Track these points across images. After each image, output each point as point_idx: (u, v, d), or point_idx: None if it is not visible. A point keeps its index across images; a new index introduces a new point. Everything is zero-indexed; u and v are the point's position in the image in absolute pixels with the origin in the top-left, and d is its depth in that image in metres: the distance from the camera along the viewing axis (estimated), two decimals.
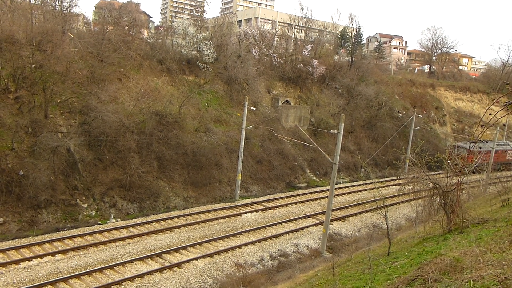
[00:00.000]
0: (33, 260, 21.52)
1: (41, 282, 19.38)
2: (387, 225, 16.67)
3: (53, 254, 22.28)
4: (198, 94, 40.93)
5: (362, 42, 78.02)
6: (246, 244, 26.42)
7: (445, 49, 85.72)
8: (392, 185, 42.64)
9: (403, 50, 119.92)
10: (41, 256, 21.89)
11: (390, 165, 49.81)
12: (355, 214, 34.54)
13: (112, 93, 33.62)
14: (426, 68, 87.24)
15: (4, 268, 20.36)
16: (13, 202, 25.53)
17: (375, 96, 55.53)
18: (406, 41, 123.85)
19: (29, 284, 19.15)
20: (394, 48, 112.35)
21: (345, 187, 42.83)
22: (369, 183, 43.69)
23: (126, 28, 42.63)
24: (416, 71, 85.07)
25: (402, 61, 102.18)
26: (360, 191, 41.85)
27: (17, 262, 21.04)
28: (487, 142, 48.65)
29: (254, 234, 28.46)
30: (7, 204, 25.31)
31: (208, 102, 41.67)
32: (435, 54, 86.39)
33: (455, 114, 68.96)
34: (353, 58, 61.14)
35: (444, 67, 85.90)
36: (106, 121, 30.56)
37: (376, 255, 14.50)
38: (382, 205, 18.24)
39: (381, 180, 46.01)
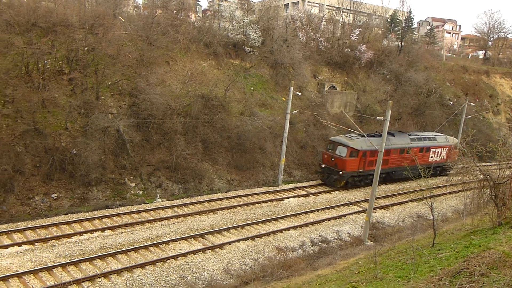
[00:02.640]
0: (84, 234, 22.59)
1: (91, 256, 20.35)
2: (433, 216, 16.28)
3: (102, 230, 23.27)
4: (243, 78, 41.05)
5: (412, 26, 75.29)
6: (287, 229, 26.57)
7: (503, 34, 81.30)
8: (439, 175, 42.03)
9: (457, 35, 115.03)
10: (91, 231, 22.93)
11: None
12: (399, 203, 33.90)
13: (160, 76, 34.29)
14: (481, 54, 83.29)
15: (57, 241, 21.51)
16: (66, 179, 26.75)
17: (424, 82, 53.66)
18: (460, 26, 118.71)
19: (79, 257, 20.16)
20: (446, 32, 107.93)
21: None
22: None
23: (175, 11, 43.12)
24: (469, 57, 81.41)
25: (455, 47, 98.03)
26: (405, 180, 40.92)
27: (69, 236, 22.16)
28: (393, 136, 37.75)
29: (296, 219, 28.54)
30: (60, 181, 26.56)
31: (254, 86, 41.73)
32: (491, 39, 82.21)
33: (511, 103, 65.70)
34: (403, 43, 59.20)
35: (501, 53, 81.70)
36: (154, 104, 31.27)
37: (420, 246, 14.23)
38: (429, 195, 17.78)
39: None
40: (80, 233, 22.55)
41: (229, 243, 23.75)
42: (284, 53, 43.77)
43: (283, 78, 44.05)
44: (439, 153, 42.23)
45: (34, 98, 27.31)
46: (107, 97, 31.51)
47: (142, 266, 20.26)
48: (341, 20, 61.30)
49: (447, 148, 42.20)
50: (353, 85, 50.80)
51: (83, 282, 18.28)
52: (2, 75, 27.09)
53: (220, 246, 23.30)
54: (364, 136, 33.35)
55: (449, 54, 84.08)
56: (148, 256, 21.37)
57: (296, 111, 36.97)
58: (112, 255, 20.79)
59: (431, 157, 41.40)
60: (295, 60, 44.57)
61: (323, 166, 35.93)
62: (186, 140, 32.65)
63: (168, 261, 21.06)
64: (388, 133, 35.24)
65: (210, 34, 41.89)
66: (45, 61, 29.64)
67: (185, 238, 23.59)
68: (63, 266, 19.25)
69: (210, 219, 26.63)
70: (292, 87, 35.10)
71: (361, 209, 31.50)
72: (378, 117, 29.11)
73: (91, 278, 18.59)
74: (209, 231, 24.78)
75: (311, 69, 48.25)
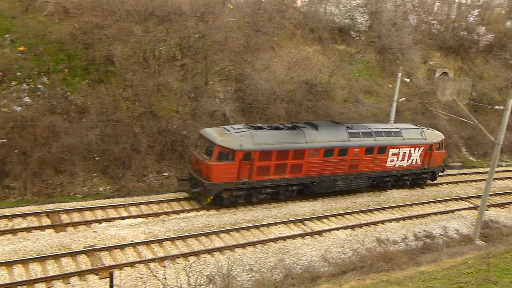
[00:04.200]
0: (191, 212, 23.99)
1: (197, 233, 21.58)
2: None
3: (207, 209, 24.51)
4: (348, 63, 40.15)
5: None
6: (389, 221, 25.76)
7: None
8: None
9: None
10: (197, 210, 24.28)
11: None
12: None
13: (265, 62, 34.86)
14: None
15: (167, 216, 23.13)
16: (176, 159, 28.51)
17: None
18: None
19: (186, 233, 21.50)
20: None
21: (507, 171, 38.56)
22: None
23: None
24: None
25: None
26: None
27: (178, 212, 23.69)
28: (315, 128, 26.69)
29: (399, 211, 27.54)
30: (171, 160, 28.38)
31: (359, 72, 40.66)
32: None
33: None
34: None
35: None
36: (259, 89, 31.94)
37: None
38: None
39: None
40: (188, 211, 23.98)
41: (328, 230, 23.68)
42: (392, 37, 41.92)
43: (390, 64, 42.30)
44: (407, 155, 29.80)
45: (150, 82, 29.36)
46: (215, 82, 32.83)
47: (243, 246, 21.03)
48: (457, 0, 56.88)
49: (422, 148, 30.49)
50: (468, 71, 47.14)
51: (189, 256, 19.49)
52: (123, 61, 29.48)
53: (319, 233, 23.33)
54: (253, 128, 24.80)
55: None
56: (249, 237, 22.11)
57: (403, 98, 35.36)
58: (216, 233, 21.84)
59: (392, 161, 29.33)
60: (404, 44, 42.47)
61: (191, 173, 25.01)
62: None
63: (267, 243, 21.60)
64: (309, 123, 27.58)
65: (315, 19, 41.48)
66: (160, 48, 31.62)
67: (284, 223, 23.97)
68: (172, 240, 20.67)
69: (310, 206, 26.70)
70: (400, 73, 33.56)
71: (472, 205, 29.41)
72: (496, 106, 26.71)
73: (196, 253, 19.74)
74: (308, 217, 24.90)
75: (421, 54, 45.62)
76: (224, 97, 32.23)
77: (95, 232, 20.49)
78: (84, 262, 18.06)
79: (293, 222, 24.21)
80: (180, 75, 31.67)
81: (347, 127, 27.83)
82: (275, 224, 23.66)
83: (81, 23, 29.85)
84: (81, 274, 17.22)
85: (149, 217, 22.68)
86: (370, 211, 26.87)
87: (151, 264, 18.42)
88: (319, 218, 25.02)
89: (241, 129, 24.65)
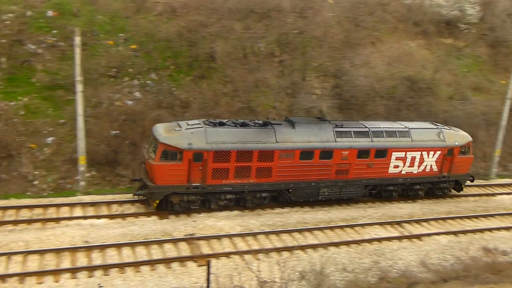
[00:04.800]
0: (285, 208, 24.19)
1: (290, 228, 21.73)
2: None
3: (302, 205, 24.56)
4: (456, 58, 37.63)
5: None
6: (498, 229, 23.81)
7: None
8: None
9: None
10: (292, 206, 24.41)
11: None
12: None
13: (364, 57, 33.96)
14: None
15: (262, 211, 23.57)
16: None
17: None
18: None
19: (280, 228, 21.75)
20: None
21: None
22: None
23: None
24: None
25: None
26: None
27: (272, 207, 24.03)
28: (291, 126, 23.06)
29: (510, 219, 25.34)
30: None
31: (467, 67, 37.93)
32: None
33: None
34: None
35: None
36: (357, 85, 31.26)
37: None
38: None
39: None
40: (282, 206, 24.21)
41: (428, 234, 22.50)
42: (507, 29, 38.52)
43: (504, 58, 38.88)
44: (418, 160, 25.13)
45: (249, 78, 30.11)
46: (313, 78, 32.70)
47: (336, 245, 20.76)
48: None
49: (439, 152, 25.64)
50: None
51: (282, 251, 19.72)
52: (224, 57, 30.52)
53: (418, 236, 22.26)
54: (212, 124, 21.89)
55: None
56: (343, 236, 21.77)
57: None
58: (309, 230, 21.81)
59: (396, 166, 24.82)
60: None
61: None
62: None
63: (362, 244, 21.10)
64: (288, 120, 23.85)
65: (420, 11, 39.41)
66: (260, 45, 32.21)
67: (380, 224, 23.22)
68: (266, 234, 21.05)
69: (408, 207, 25.59)
70: None
71: None
72: None
73: (289, 249, 19.91)
74: (406, 219, 23.87)
75: None
76: (321, 93, 31.98)
77: (194, 221, 21.54)
78: (184, 249, 19.07)
79: (390, 223, 23.36)
80: (278, 71, 32.01)
81: (336, 125, 23.90)
82: (371, 224, 23.02)
83: (186, 21, 31.41)
84: (181, 260, 18.24)
85: (244, 211, 23.28)
86: (476, 217, 25.03)
87: (246, 256, 18.94)
88: (418, 221, 23.86)
89: (196, 125, 21.67)
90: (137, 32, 30.23)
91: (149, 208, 21.89)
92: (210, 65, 30.49)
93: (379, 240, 21.56)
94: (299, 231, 21.63)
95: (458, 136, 26.33)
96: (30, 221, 20.03)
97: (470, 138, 27.01)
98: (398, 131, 24.98)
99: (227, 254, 18.97)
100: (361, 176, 24.26)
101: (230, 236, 20.47)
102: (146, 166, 21.70)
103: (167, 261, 18.02)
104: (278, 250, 19.72)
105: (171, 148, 20.48)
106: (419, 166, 25.35)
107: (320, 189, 23.76)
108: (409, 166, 25.11)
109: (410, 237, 22.10)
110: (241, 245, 19.96)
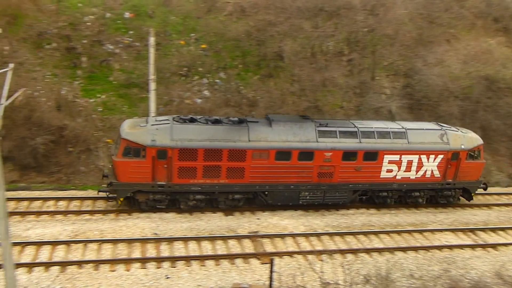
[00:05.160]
0: (350, 209, 23.76)
1: (355, 230, 21.34)
2: None
3: (367, 207, 24.00)
4: None
5: None
6: None
7: None
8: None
9: None
10: (357, 207, 23.94)
11: None
12: None
13: (438, 56, 32.53)
14: None
15: (327, 211, 23.31)
16: None
17: None
18: None
19: (345, 230, 21.42)
20: None
21: None
22: None
23: None
24: None
25: None
26: None
27: (337, 208, 23.68)
28: (268, 124, 21.39)
29: None
30: None
31: None
32: None
33: None
34: None
35: None
36: (429, 85, 30.04)
37: None
38: None
39: None
40: (348, 207, 23.81)
41: (505, 244, 21.18)
42: None
43: None
44: (416, 164, 22.81)
45: (317, 77, 29.88)
46: (382, 77, 31.84)
47: (403, 250, 20.09)
48: None
49: (441, 156, 23.07)
50: None
51: (346, 253, 19.41)
52: (292, 56, 30.54)
53: (493, 246, 20.99)
54: (181, 121, 20.81)
55: None
56: (410, 241, 21.04)
57: None
58: (375, 233, 21.28)
59: (390, 171, 22.62)
60: None
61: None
62: (462, 126, 30.22)
63: (431, 250, 20.26)
64: (267, 118, 22.20)
65: (501, 7, 37.06)
66: (328, 43, 31.85)
67: (452, 230, 22.15)
68: (330, 235, 20.80)
69: (483, 214, 24.22)
70: None
71: None
72: None
73: (354, 251, 19.55)
74: (481, 227, 22.61)
75: None
76: (390, 93, 31.06)
77: (259, 219, 21.76)
78: (248, 246, 19.33)
79: (462, 230, 22.23)
80: (347, 70, 31.48)
81: (320, 124, 21.93)
82: (441, 230, 22.04)
83: (255, 21, 31.75)
84: (245, 257, 18.51)
85: (309, 210, 23.17)
86: None
87: (309, 256, 18.86)
88: (493, 230, 22.53)
89: (163, 121, 20.76)
90: (207, 32, 31.02)
91: (116, 206, 21.34)
92: (278, 64, 30.62)
93: (450, 247, 20.60)
94: (365, 233, 21.18)
95: (465, 139, 23.58)
96: (105, 212, 21.22)
97: (480, 141, 24.30)
98: (392, 131, 22.63)
99: (290, 253, 18.99)
100: (348, 180, 22.33)
101: (293, 235, 20.46)
102: (112, 163, 21.14)
103: (231, 257, 18.37)
104: (342, 252, 19.44)
105: (133, 144, 19.71)
106: (417, 171, 23.00)
107: (301, 193, 22.13)
108: (405, 171, 22.81)
109: (484, 246, 20.91)
110: (305, 245, 19.90)
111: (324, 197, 22.36)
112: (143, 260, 17.58)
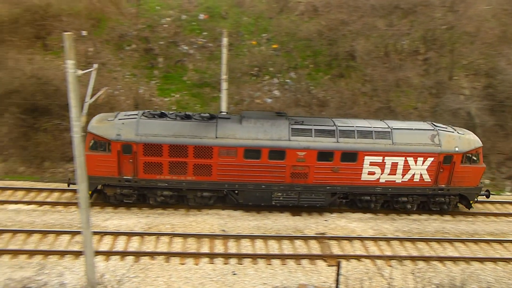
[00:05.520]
0: (423, 215, 22.80)
1: (428, 237, 20.45)
2: None
3: (441, 214, 22.92)
4: None
5: None
6: None
7: None
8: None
9: None
10: (430, 213, 22.91)
11: None
12: None
13: None
14: None
15: (397, 216, 22.57)
16: None
17: None
18: None
19: (417, 235, 20.61)
20: None
21: None
22: None
23: None
24: None
25: None
26: None
27: (408, 213, 22.84)
28: (240, 121, 20.35)
29: None
30: None
31: None
32: None
33: None
34: None
35: None
36: None
37: None
38: None
39: None
40: (419, 213, 22.87)
41: None
42: None
43: None
44: (402, 167, 20.99)
45: (390, 77, 29.00)
46: (461, 77, 30.24)
47: (480, 260, 18.97)
48: None
49: (431, 159, 20.96)
50: None
51: (418, 260, 18.68)
52: (364, 56, 29.88)
53: None
54: (150, 116, 20.35)
55: None
56: (488, 251, 19.82)
57: None
58: (450, 241, 20.27)
59: (372, 173, 20.96)
60: None
61: None
62: None
63: None
64: (240, 114, 21.25)
65: None
66: (403, 42, 30.79)
67: None
68: (401, 240, 20.11)
69: None
70: None
71: None
72: None
73: (426, 259, 18.77)
74: None
75: None
76: (470, 93, 29.39)
77: (326, 220, 21.53)
78: (315, 248, 19.21)
79: None
80: (422, 69, 30.25)
81: (295, 122, 20.86)
82: None
83: (327, 20, 31.44)
84: (311, 258, 18.41)
85: (378, 214, 22.57)
86: None
87: (378, 261, 18.38)
88: None
89: (131, 116, 20.53)
90: (279, 32, 31.19)
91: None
92: (350, 63, 30.10)
93: None
94: (438, 240, 20.26)
95: (460, 141, 21.43)
96: (176, 207, 21.96)
97: (479, 144, 21.97)
98: (375, 131, 20.98)
99: (358, 257, 18.62)
100: (325, 182, 21.06)
101: (362, 238, 20.02)
102: None
103: (297, 257, 18.35)
104: (413, 258, 18.74)
105: (99, 138, 19.75)
106: (403, 175, 21.25)
107: (273, 193, 21.13)
108: (389, 174, 21.14)
109: None
110: (373, 249, 19.41)
111: (299, 199, 21.33)
112: (211, 256, 18.06)
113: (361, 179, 21.12)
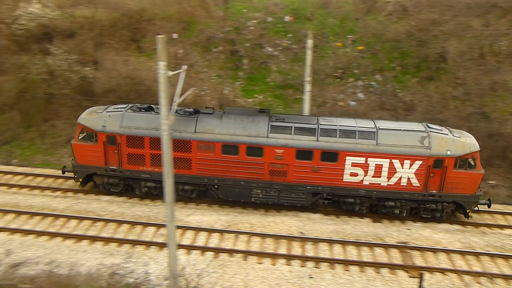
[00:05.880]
0: (505, 229, 21.04)
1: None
2: None
3: None
4: None
5: None
6: None
7: None
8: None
9: None
10: None
11: None
12: None
13: None
14: None
15: (488, 229, 21.06)
16: (507, 167, 25.50)
17: None
18: None
19: (510, 253, 19.10)
20: None
21: None
22: None
23: None
24: None
25: None
26: None
27: (501, 227, 21.22)
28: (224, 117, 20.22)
29: None
30: (500, 168, 25.56)
31: None
32: None
33: None
34: None
35: None
36: None
37: None
38: None
39: None
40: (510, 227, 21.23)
41: None
42: None
43: None
44: (386, 169, 19.67)
45: (485, 81, 27.10)
46: None
47: None
48: None
49: (419, 162, 19.44)
50: None
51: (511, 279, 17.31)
52: (457, 58, 28.21)
53: None
54: (137, 110, 21.28)
55: None
56: None
57: None
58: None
59: (354, 174, 19.96)
60: None
61: None
62: None
63: None
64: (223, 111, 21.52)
65: None
66: (500, 43, 28.63)
67: None
68: (492, 256, 18.76)
69: None
70: None
71: None
72: None
73: None
74: None
75: None
76: None
77: (409, 229, 20.65)
78: (395, 257, 18.51)
79: None
80: None
81: (276, 119, 20.61)
82: None
83: (417, 20, 30.14)
84: (391, 267, 17.78)
85: (466, 226, 21.21)
86: None
87: (465, 277, 17.29)
88: None
89: (119, 108, 21.50)
90: (365, 33, 30.47)
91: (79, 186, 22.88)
92: (440, 66, 28.58)
93: None
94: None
95: (454, 144, 19.70)
96: (255, 207, 22.32)
97: (475, 148, 20.00)
98: (359, 131, 19.99)
99: (442, 270, 17.66)
100: (305, 181, 20.54)
101: (447, 251, 18.95)
102: None
103: (376, 265, 17.82)
104: (506, 277, 17.38)
105: (87, 129, 21.13)
106: (389, 178, 20.04)
107: (253, 190, 21.03)
108: (373, 176, 20.06)
109: None
110: (460, 263, 18.29)
111: (279, 197, 21.10)
112: (288, 257, 18.11)
113: (343, 180, 20.49)
